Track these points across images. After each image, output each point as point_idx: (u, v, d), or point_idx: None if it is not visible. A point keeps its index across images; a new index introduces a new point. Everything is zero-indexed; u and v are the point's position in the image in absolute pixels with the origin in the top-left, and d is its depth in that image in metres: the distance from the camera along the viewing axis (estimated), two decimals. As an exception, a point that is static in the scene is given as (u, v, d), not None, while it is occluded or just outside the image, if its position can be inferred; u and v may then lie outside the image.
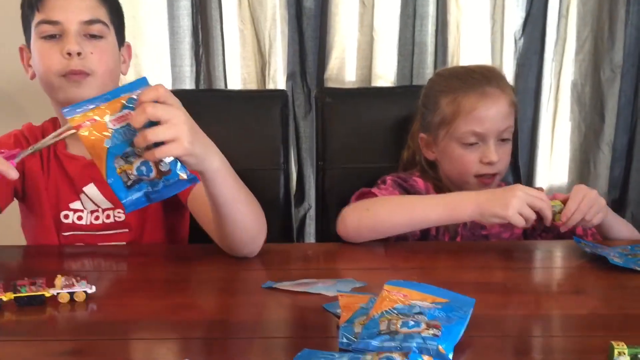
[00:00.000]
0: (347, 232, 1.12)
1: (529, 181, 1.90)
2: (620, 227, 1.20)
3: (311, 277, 0.92)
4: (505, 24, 1.83)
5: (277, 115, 1.47)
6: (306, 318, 0.81)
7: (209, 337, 0.76)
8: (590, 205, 1.07)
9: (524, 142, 1.87)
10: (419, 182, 1.27)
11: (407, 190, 1.24)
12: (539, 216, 1.03)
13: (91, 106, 0.78)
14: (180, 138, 0.78)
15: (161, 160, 0.79)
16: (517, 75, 1.86)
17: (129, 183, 0.79)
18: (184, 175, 0.81)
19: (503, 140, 1.21)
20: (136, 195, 0.80)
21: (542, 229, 1.16)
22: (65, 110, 0.78)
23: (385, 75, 1.84)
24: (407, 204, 1.12)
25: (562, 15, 1.85)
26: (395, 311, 0.72)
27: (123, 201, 0.80)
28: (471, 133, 1.19)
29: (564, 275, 0.99)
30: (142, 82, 0.81)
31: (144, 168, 0.79)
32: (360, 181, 1.31)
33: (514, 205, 1.00)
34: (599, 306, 0.83)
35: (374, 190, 1.19)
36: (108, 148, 0.78)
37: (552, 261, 1.06)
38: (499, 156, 1.19)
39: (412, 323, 0.69)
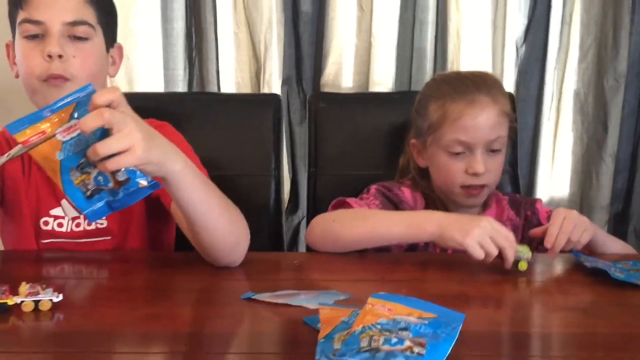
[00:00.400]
0: (313, 241, 1.08)
1: (530, 192, 1.85)
2: (613, 244, 1.15)
3: (295, 288, 0.88)
4: (507, 31, 1.79)
5: (269, 119, 1.43)
6: (285, 332, 0.76)
7: (177, 350, 0.71)
8: (573, 224, 1.02)
9: (524, 152, 1.82)
10: (406, 192, 1.23)
11: (391, 200, 1.20)
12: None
13: (38, 119, 0.74)
14: (134, 147, 0.75)
15: (117, 170, 0.76)
16: (519, 83, 1.81)
17: (89, 193, 0.77)
18: (144, 183, 0.79)
19: (493, 151, 1.16)
20: (98, 205, 0.77)
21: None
22: (10, 125, 0.74)
23: (383, 81, 1.79)
24: (372, 218, 1.08)
25: (565, 22, 1.81)
26: (379, 326, 0.67)
27: (85, 212, 0.77)
28: (457, 142, 1.15)
29: (563, 291, 0.93)
30: (86, 90, 0.77)
31: (101, 178, 0.77)
32: (353, 189, 1.26)
33: (474, 235, 0.93)
34: (599, 324, 0.78)
35: (350, 200, 1.15)
36: (61, 161, 0.75)
37: (550, 275, 1.00)
38: (486, 167, 1.14)
39: (395, 340, 0.64)
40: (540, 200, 1.33)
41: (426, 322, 0.69)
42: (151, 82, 1.77)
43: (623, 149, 1.83)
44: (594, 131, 1.84)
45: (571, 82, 1.83)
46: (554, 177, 1.87)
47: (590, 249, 1.12)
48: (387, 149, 1.40)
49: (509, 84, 1.78)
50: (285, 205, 1.80)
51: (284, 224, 1.56)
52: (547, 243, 1.01)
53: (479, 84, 1.16)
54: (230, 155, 1.41)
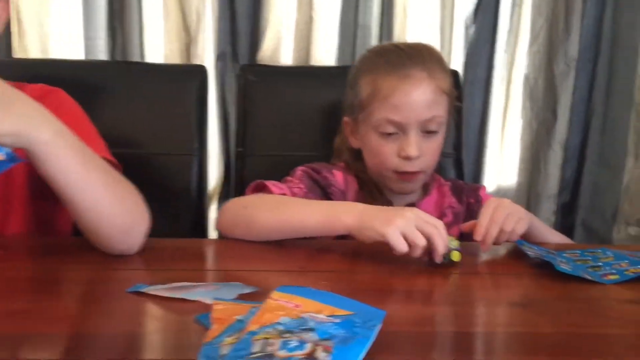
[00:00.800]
0: (223, 227, 0.96)
1: (476, 180, 1.76)
2: (553, 236, 1.05)
3: (199, 279, 0.75)
4: (456, 9, 1.69)
5: (193, 93, 1.29)
6: (173, 333, 0.63)
7: (35, 357, 0.57)
8: (506, 213, 0.91)
9: (471, 138, 1.74)
10: (338, 176, 1.11)
11: (318, 183, 1.08)
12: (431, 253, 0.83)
13: None
14: None
15: None
16: (467, 65, 1.72)
17: None
18: (2, 156, 0.69)
19: (429, 132, 1.05)
20: None
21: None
22: None
23: (325, 59, 1.67)
24: (287, 206, 0.94)
25: (516, 3, 1.73)
26: (279, 327, 0.55)
27: None
28: (387, 121, 1.03)
29: (502, 284, 0.83)
30: None
31: None
32: (285, 172, 1.14)
33: (397, 224, 0.79)
34: (542, 322, 0.68)
35: (270, 183, 1.02)
36: None
37: (490, 267, 0.90)
38: (420, 151, 1.03)
39: (294, 344, 0.52)
40: (484, 187, 1.23)
41: (338, 320, 0.58)
42: (70, 53, 1.60)
43: (572, 136, 1.76)
44: (544, 118, 1.77)
45: (521, 65, 1.75)
46: (501, 164, 1.79)
47: (527, 240, 1.03)
48: (324, 128, 1.28)
49: (457, 65, 1.68)
50: (215, 190, 1.67)
51: (208, 209, 1.42)
52: (477, 235, 0.90)
53: (414, 57, 1.04)
54: (149, 131, 1.27)
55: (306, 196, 1.04)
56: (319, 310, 0.59)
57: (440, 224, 0.81)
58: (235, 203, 0.97)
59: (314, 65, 1.60)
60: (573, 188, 1.79)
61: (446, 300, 0.76)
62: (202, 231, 1.28)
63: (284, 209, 0.92)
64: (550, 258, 0.83)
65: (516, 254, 0.90)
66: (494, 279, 0.84)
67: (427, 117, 1.03)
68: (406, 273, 0.81)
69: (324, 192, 1.09)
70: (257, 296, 0.67)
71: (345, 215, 0.86)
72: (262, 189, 1.02)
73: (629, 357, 0.60)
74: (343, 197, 1.10)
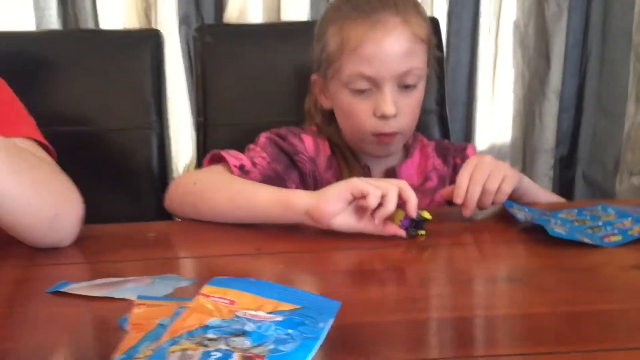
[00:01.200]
0: (171, 205, 0.85)
1: (467, 139, 1.65)
2: (546, 196, 0.94)
3: (138, 271, 0.64)
4: (436, -46, 1.56)
5: (146, 61, 1.17)
6: (90, 340, 0.53)
7: None
8: (488, 171, 0.80)
9: (459, 93, 1.62)
10: (308, 141, 0.99)
11: (284, 151, 0.97)
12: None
13: None
14: None
15: None
16: (451, 14, 1.60)
17: None
18: None
19: (406, 87, 0.93)
20: None
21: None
22: None
23: (297, 18, 1.54)
24: (238, 184, 0.84)
25: (502, -58, 1.59)
26: (205, 332, 0.44)
27: None
28: (359, 76, 0.91)
29: (489, 256, 0.72)
30: None
31: None
32: (250, 142, 1.02)
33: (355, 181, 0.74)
34: (536, 301, 0.57)
35: (228, 154, 0.90)
36: None
37: (474, 235, 0.78)
38: (398, 108, 0.91)
39: (217, 355, 0.41)
40: (472, 146, 1.10)
41: (280, 317, 0.47)
42: (22, 24, 1.48)
43: (568, 84, 1.64)
44: (536, 66, 1.64)
45: (509, 11, 1.62)
46: (493, 119, 1.67)
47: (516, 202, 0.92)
48: (295, 92, 1.16)
49: (440, 15, 1.56)
50: (191, 166, 1.57)
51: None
52: (457, 197, 0.79)
53: (386, 1, 0.92)
54: (101, 106, 1.16)
55: (269, 166, 0.93)
56: (259, 306, 0.49)
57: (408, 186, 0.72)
58: (185, 178, 0.87)
59: (280, 22, 1.47)
60: (571, 140, 1.68)
61: (422, 280, 0.65)
62: (166, 212, 1.17)
63: (235, 187, 0.81)
64: (543, 221, 0.73)
65: (504, 219, 0.79)
66: (479, 249, 0.74)
67: (403, 69, 0.91)
68: (376, 250, 0.71)
69: (291, 160, 0.98)
70: (193, 290, 0.57)
71: (301, 195, 0.75)
72: (219, 160, 0.91)
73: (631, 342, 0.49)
74: (313, 164, 0.99)
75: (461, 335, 0.52)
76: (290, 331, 0.46)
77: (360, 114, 0.93)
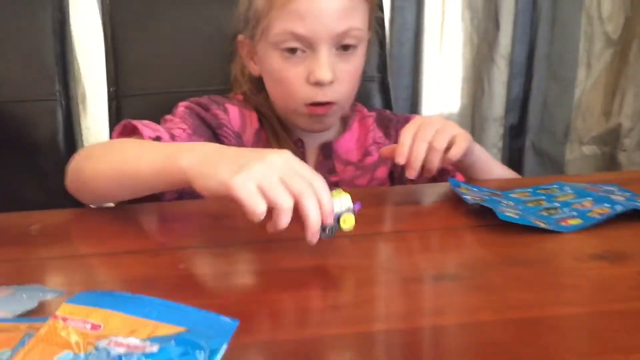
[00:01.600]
0: (69, 186, 0.72)
1: (414, 108, 1.55)
2: (500, 169, 0.85)
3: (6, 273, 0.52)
4: None
5: (47, 21, 1.03)
6: None
7: None
8: (434, 128, 0.71)
9: (404, 59, 1.52)
10: (232, 112, 0.87)
11: (206, 122, 0.84)
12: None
13: None
14: None
15: None
16: (394, -28, 1.48)
17: None
18: None
19: (345, 49, 0.82)
20: None
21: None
22: None
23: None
24: (128, 148, 0.69)
25: None
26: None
27: None
28: (290, 35, 0.79)
29: (430, 247, 0.62)
30: None
31: None
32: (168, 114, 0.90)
33: (252, 173, 0.51)
34: (481, 304, 0.48)
35: (140, 124, 0.76)
36: None
37: (413, 220, 0.68)
38: (334, 74, 0.80)
39: (51, 415, 0.30)
40: (417, 116, 1.00)
41: (156, 347, 0.36)
42: None
43: (517, 49, 1.56)
44: (485, 29, 1.55)
45: (457, -31, 1.52)
46: (440, 87, 1.57)
47: (468, 174, 0.83)
48: (218, 56, 1.03)
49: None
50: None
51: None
52: (399, 156, 0.69)
53: None
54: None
55: (190, 139, 0.81)
56: (132, 331, 0.38)
57: (318, 180, 0.54)
58: (84, 153, 0.73)
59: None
60: (521, 108, 1.61)
61: (355, 280, 0.54)
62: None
63: (121, 154, 0.68)
64: (493, 203, 0.63)
65: (449, 200, 0.70)
66: (417, 238, 0.63)
67: (341, 29, 0.79)
68: (301, 242, 0.60)
69: (214, 133, 0.86)
70: (54, 307, 0.45)
71: (187, 154, 0.57)
72: (132, 132, 0.77)
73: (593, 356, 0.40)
74: (238, 140, 0.88)
75: (401, 352, 0.42)
76: (167, 365, 0.35)
77: (291, 80, 0.81)
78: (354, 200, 0.54)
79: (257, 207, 0.50)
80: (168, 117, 0.85)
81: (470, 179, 0.81)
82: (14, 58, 1.02)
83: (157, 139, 0.76)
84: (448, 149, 0.72)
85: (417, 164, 0.69)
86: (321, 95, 0.81)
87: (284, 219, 0.50)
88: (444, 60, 1.57)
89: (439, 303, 0.49)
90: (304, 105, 0.82)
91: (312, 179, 0.53)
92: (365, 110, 0.98)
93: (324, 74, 0.79)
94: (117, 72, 1.03)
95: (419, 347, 0.43)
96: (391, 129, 0.95)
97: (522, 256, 0.56)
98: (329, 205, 0.52)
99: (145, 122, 0.79)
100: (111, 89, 1.03)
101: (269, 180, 0.51)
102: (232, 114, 0.88)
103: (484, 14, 1.54)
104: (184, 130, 0.82)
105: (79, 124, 1.07)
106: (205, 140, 0.83)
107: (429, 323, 0.46)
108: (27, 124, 1.03)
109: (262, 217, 0.50)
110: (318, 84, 0.80)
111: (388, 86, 1.09)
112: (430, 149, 0.69)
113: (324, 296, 0.51)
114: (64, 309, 0.39)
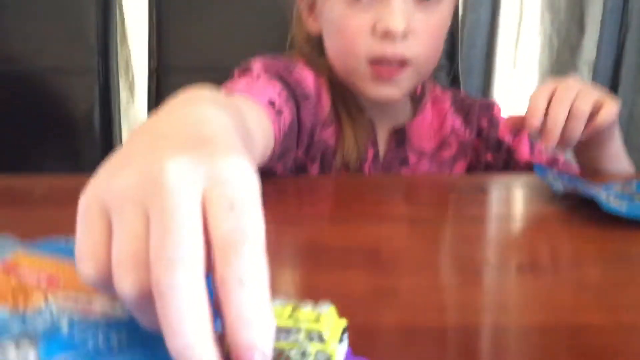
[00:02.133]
0: None
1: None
2: (626, 163, 0.72)
3: None
4: None
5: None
6: None
7: None
8: (575, 90, 0.58)
9: (476, 60, 1.40)
10: (308, 77, 0.69)
11: (290, 86, 0.64)
12: None
13: None
14: None
15: None
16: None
17: None
18: None
19: None
20: None
21: None
22: None
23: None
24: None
25: None
26: None
27: None
28: None
29: (516, 243, 0.50)
30: None
31: None
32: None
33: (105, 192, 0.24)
34: (585, 303, 0.35)
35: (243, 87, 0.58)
36: None
37: (494, 210, 0.56)
38: (409, 25, 0.64)
39: None
40: (497, 105, 0.82)
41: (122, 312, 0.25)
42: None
43: (603, 56, 1.42)
44: (567, 33, 1.43)
45: (539, -34, 1.40)
46: (513, 92, 1.45)
47: (593, 164, 0.69)
48: (271, 31, 0.93)
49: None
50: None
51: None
52: (532, 118, 0.58)
53: None
54: (33, 42, 0.95)
55: (290, 111, 0.61)
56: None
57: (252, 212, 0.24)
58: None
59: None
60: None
61: (415, 267, 0.42)
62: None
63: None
64: (593, 193, 0.50)
65: (537, 191, 0.56)
66: (504, 234, 0.51)
67: None
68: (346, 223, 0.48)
69: (296, 102, 0.64)
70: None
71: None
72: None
73: None
74: (318, 110, 0.69)
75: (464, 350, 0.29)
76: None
77: (354, 30, 0.65)
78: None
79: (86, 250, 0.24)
80: (240, 76, 0.64)
81: (591, 172, 0.67)
82: (57, 27, 0.96)
83: (271, 103, 0.58)
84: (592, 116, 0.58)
85: (556, 131, 0.57)
86: (390, 49, 0.64)
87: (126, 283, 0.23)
88: (519, 65, 1.44)
89: (532, 298, 0.36)
90: (366, 62, 0.66)
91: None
92: (438, 88, 0.81)
93: (396, 20, 0.63)
94: (160, 42, 0.95)
95: (504, 348, 0.30)
96: (472, 115, 0.79)
97: (629, 249, 0.42)
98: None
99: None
100: (152, 65, 0.95)
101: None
102: (308, 79, 0.68)
103: (567, 15, 1.40)
104: (277, 93, 0.60)
105: (118, 98, 0.99)
106: (291, 112, 0.62)
107: (513, 322, 0.33)
108: (63, 97, 0.96)
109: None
110: (387, 35, 0.63)
111: (458, 76, 0.97)
112: (571, 115, 0.57)
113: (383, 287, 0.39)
114: (18, 257, 0.28)
